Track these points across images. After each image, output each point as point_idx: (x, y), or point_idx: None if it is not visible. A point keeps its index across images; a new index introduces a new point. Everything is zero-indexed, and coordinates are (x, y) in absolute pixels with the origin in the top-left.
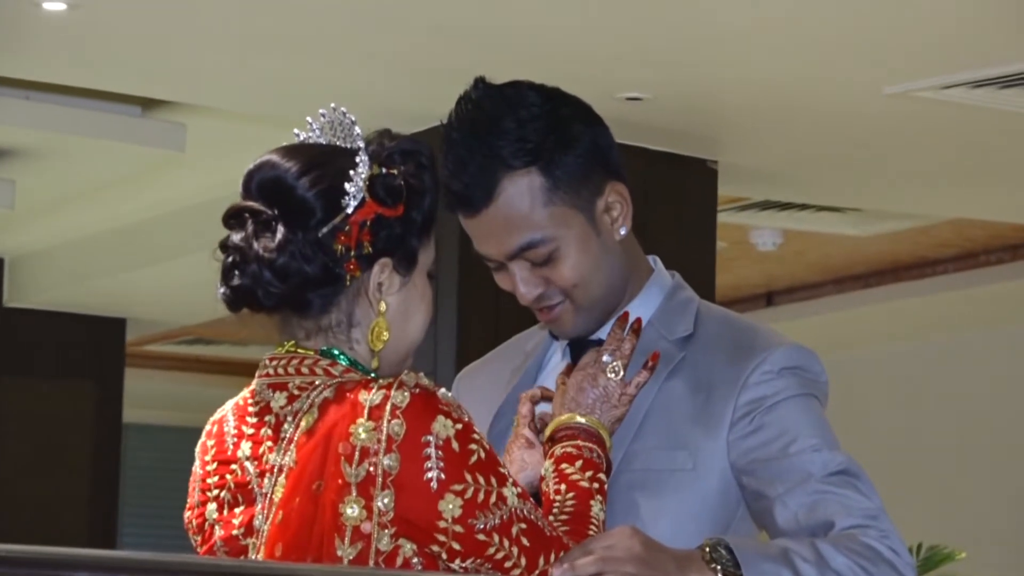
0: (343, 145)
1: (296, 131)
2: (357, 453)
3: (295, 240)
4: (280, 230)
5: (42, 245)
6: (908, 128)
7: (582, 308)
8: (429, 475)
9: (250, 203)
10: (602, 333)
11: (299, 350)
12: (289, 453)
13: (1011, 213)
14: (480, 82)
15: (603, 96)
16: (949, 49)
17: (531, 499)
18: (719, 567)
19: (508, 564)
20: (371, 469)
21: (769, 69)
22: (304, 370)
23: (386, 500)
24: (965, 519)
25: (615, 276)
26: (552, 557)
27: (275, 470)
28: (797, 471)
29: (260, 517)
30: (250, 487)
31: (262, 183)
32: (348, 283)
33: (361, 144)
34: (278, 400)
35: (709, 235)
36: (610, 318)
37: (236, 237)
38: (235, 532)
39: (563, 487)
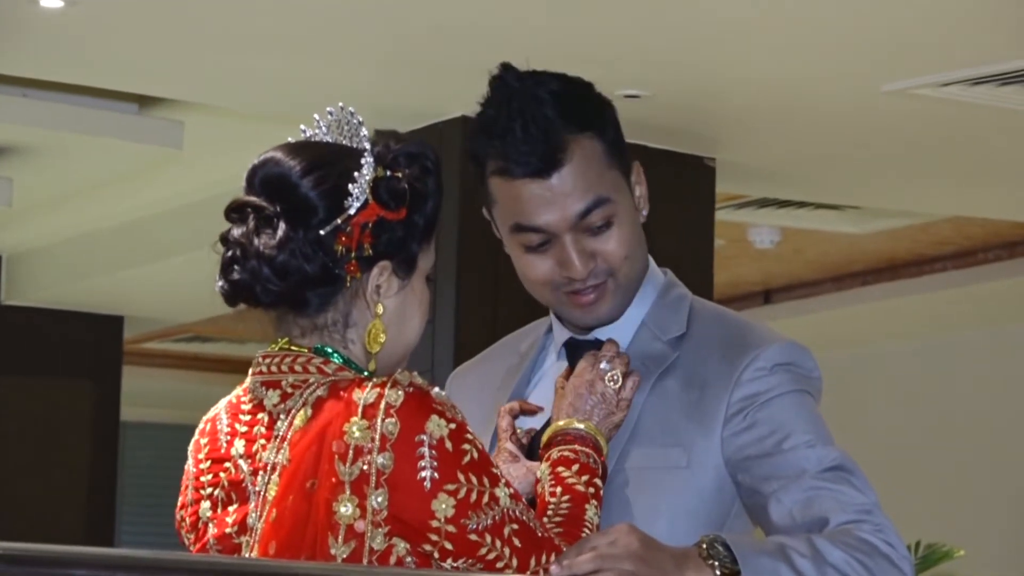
0: (349, 145)
1: (303, 128)
2: (351, 451)
3: (296, 238)
4: (281, 227)
5: (40, 243)
6: (907, 126)
7: (620, 287)
8: (423, 474)
9: (253, 198)
10: (600, 333)
11: (293, 347)
12: (283, 451)
13: (1010, 211)
14: (507, 66)
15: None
16: (947, 46)
17: (523, 500)
18: (716, 563)
19: (500, 564)
20: (365, 468)
21: (767, 67)
22: (297, 368)
23: (380, 499)
24: (963, 517)
25: (645, 258)
26: (543, 558)
27: (269, 468)
28: (791, 467)
29: (254, 515)
30: (244, 485)
31: (266, 179)
32: (347, 284)
33: (367, 145)
34: (271, 398)
35: (707, 233)
36: (625, 310)
37: (237, 232)
38: (228, 530)
39: (559, 490)
